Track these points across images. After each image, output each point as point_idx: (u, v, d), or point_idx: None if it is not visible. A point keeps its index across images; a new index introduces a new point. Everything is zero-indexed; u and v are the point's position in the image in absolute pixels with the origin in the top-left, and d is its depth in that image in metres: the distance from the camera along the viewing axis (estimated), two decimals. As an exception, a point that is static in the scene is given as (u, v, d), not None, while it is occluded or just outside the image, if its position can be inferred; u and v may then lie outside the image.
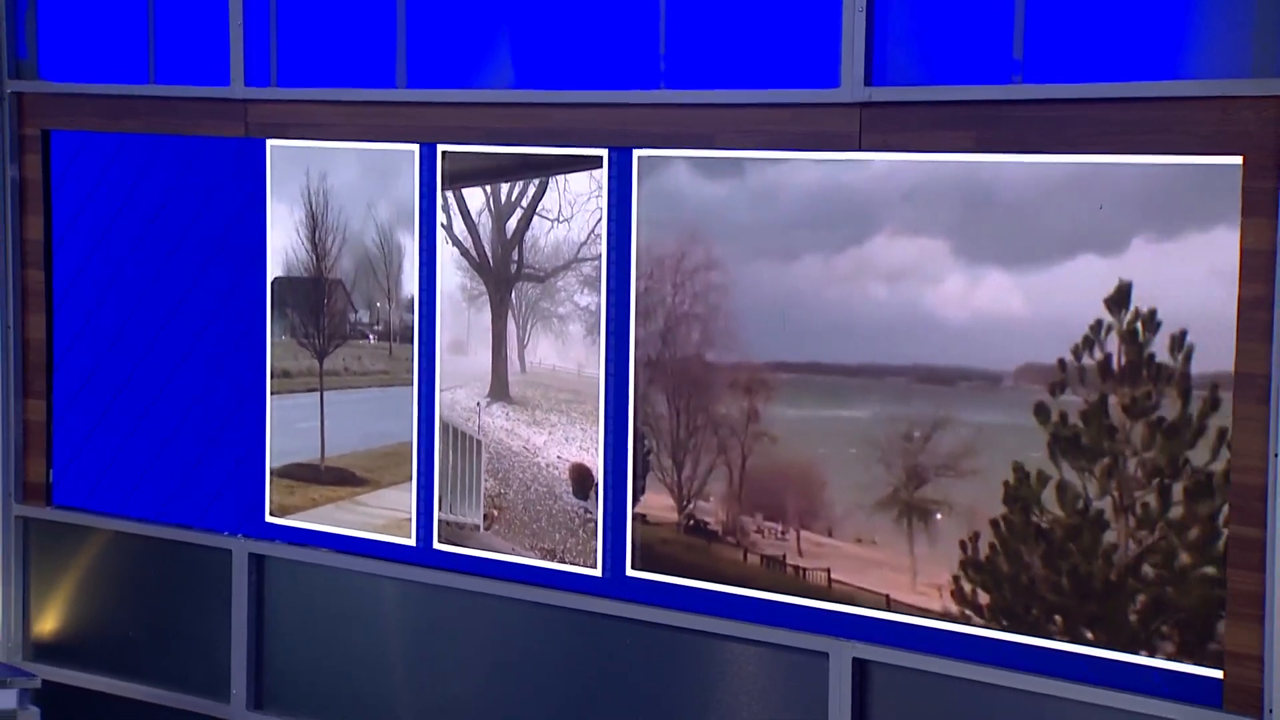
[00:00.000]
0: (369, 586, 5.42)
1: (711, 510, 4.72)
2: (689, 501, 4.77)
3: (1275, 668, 3.96)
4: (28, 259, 5.98)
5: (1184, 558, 4.11)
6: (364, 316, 5.34)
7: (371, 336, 5.32)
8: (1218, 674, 4.05)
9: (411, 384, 5.22)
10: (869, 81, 4.48)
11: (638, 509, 4.86)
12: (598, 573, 4.92)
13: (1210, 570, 4.08)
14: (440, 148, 5.12)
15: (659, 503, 4.83)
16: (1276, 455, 3.95)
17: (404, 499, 5.27)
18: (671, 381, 4.76)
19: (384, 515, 5.33)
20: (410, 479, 5.25)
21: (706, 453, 4.71)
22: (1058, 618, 4.26)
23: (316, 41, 5.46)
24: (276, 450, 5.53)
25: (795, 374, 4.51)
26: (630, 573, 4.87)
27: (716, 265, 4.67)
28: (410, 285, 5.21)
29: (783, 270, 4.50)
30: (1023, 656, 4.29)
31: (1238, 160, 3.98)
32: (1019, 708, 4.34)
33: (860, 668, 4.56)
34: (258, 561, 5.63)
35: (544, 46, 5.05)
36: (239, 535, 5.64)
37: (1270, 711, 3.98)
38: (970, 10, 4.37)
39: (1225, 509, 4.05)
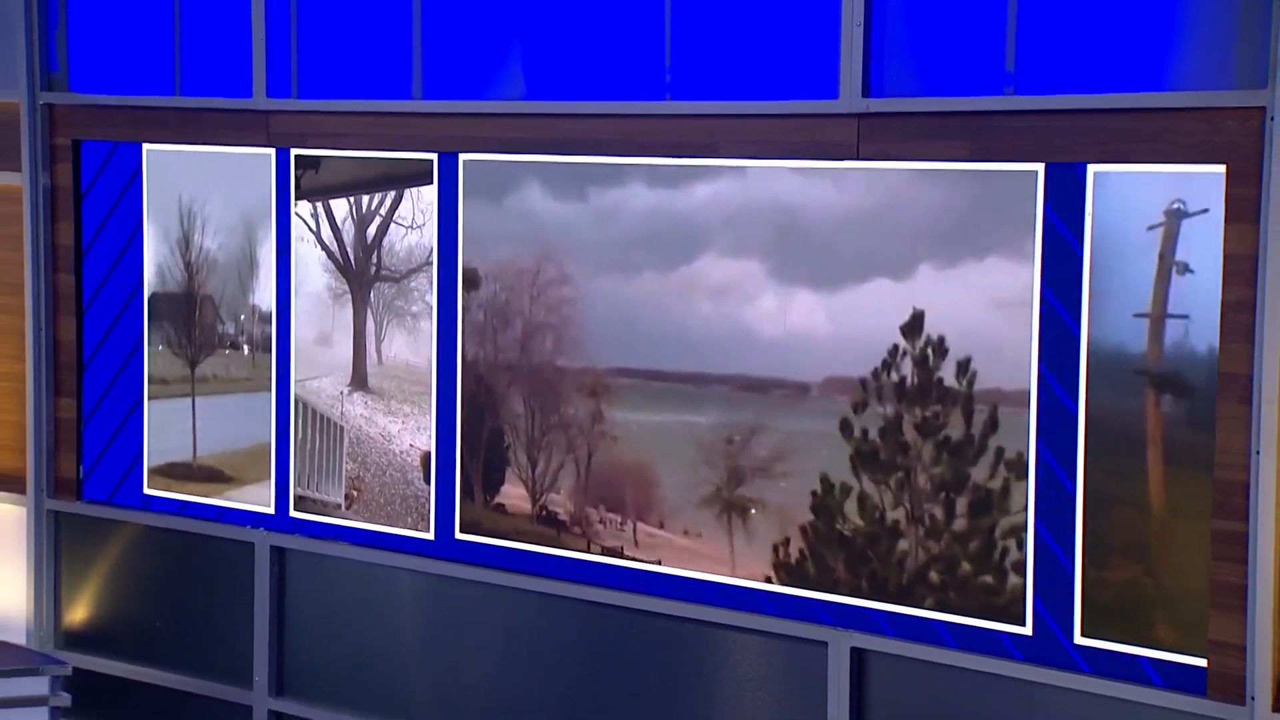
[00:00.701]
0: (385, 578, 5.43)
1: (561, 502, 4.97)
2: (541, 494, 5.00)
3: (1257, 656, 3.97)
4: (58, 263, 5.99)
5: (965, 567, 4.30)
6: (230, 329, 5.65)
7: (238, 347, 5.65)
8: (1202, 662, 4.07)
9: (271, 385, 5.55)
10: (867, 93, 4.48)
11: (497, 500, 5.09)
12: (430, 536, 5.24)
13: (988, 579, 4.26)
14: (294, 152, 5.42)
15: (515, 494, 5.04)
16: (1258, 453, 3.96)
17: (265, 494, 5.59)
18: (528, 385, 4.98)
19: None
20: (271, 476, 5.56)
21: (558, 450, 4.96)
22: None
23: (335, 54, 5.47)
24: (154, 449, 5.84)
25: (635, 380, 4.79)
26: (459, 535, 5.19)
27: (567, 280, 4.91)
28: (268, 299, 5.54)
29: (624, 285, 4.78)
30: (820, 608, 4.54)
31: (1220, 169, 4.00)
32: (1010, 696, 4.35)
33: (859, 656, 4.57)
34: (279, 554, 5.64)
35: (554, 59, 5.06)
36: (261, 529, 5.65)
37: (1253, 698, 3.99)
38: (964, 24, 4.37)
39: (1004, 521, 4.19)
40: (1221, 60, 4.03)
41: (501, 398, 5.05)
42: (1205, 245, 3.98)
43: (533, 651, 5.17)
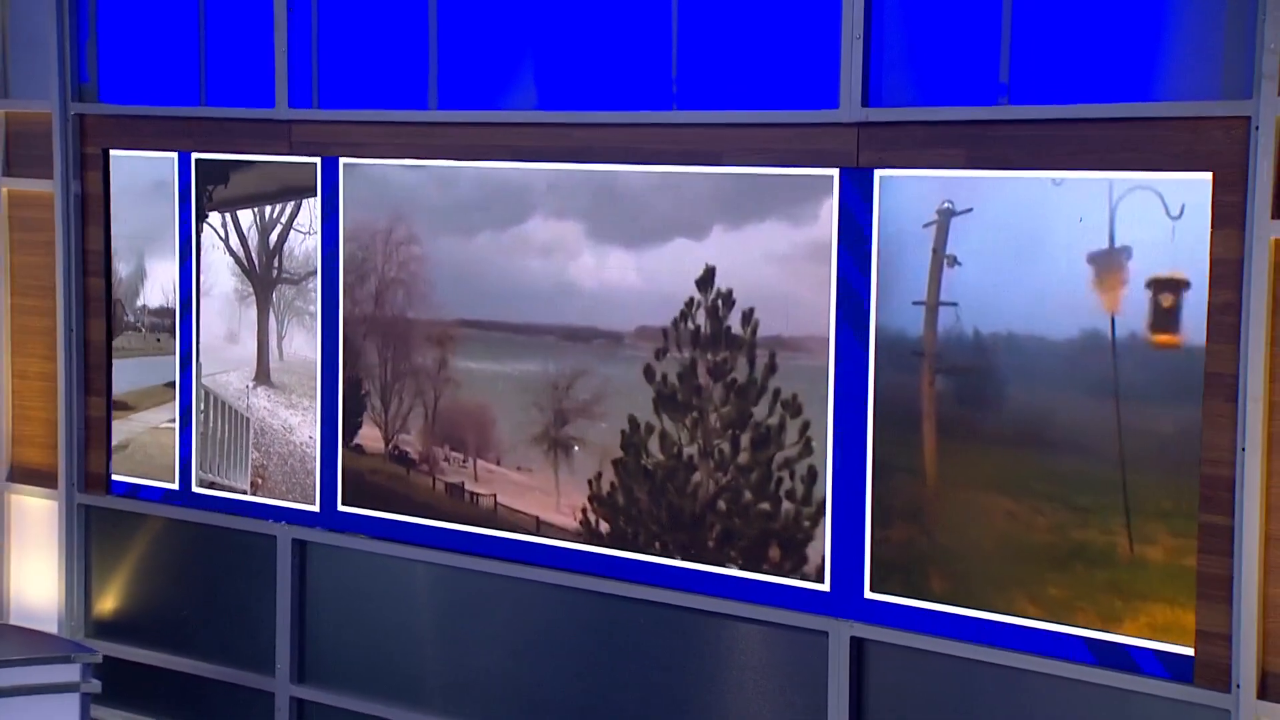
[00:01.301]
0: (402, 569, 5.45)
1: (411, 442, 5.30)
2: (393, 435, 5.33)
3: (1242, 645, 3.98)
4: (89, 268, 6.00)
5: (748, 495, 4.64)
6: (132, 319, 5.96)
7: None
8: (1189, 651, 4.08)
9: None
10: (866, 103, 4.49)
11: (355, 441, 5.42)
12: (316, 508, 5.53)
13: (765, 506, 4.61)
14: (194, 156, 5.68)
15: (371, 435, 5.39)
16: (1243, 449, 3.97)
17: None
18: (381, 335, 5.33)
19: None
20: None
21: (408, 395, 5.30)
22: (658, 543, 4.81)
23: (355, 66, 5.47)
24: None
25: (475, 330, 5.12)
26: (341, 508, 5.48)
27: (415, 239, 5.23)
28: (155, 296, 5.87)
29: (465, 244, 5.12)
30: (632, 570, 4.87)
31: (1207, 176, 4.00)
32: (1002, 683, 4.35)
33: (853, 643, 4.58)
34: (300, 546, 5.66)
35: (565, 70, 5.07)
36: (282, 522, 5.67)
37: (1238, 685, 4.00)
38: (960, 37, 4.37)
39: (779, 455, 4.58)
40: (1208, 71, 4.04)
41: (359, 349, 5.36)
42: (972, 240, 4.24)
43: (539, 639, 5.19)
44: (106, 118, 5.94)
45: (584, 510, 4.92)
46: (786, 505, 4.58)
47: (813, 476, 4.53)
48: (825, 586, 4.54)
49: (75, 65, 5.96)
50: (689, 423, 4.72)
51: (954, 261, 4.25)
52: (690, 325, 4.71)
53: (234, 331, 5.70)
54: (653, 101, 4.87)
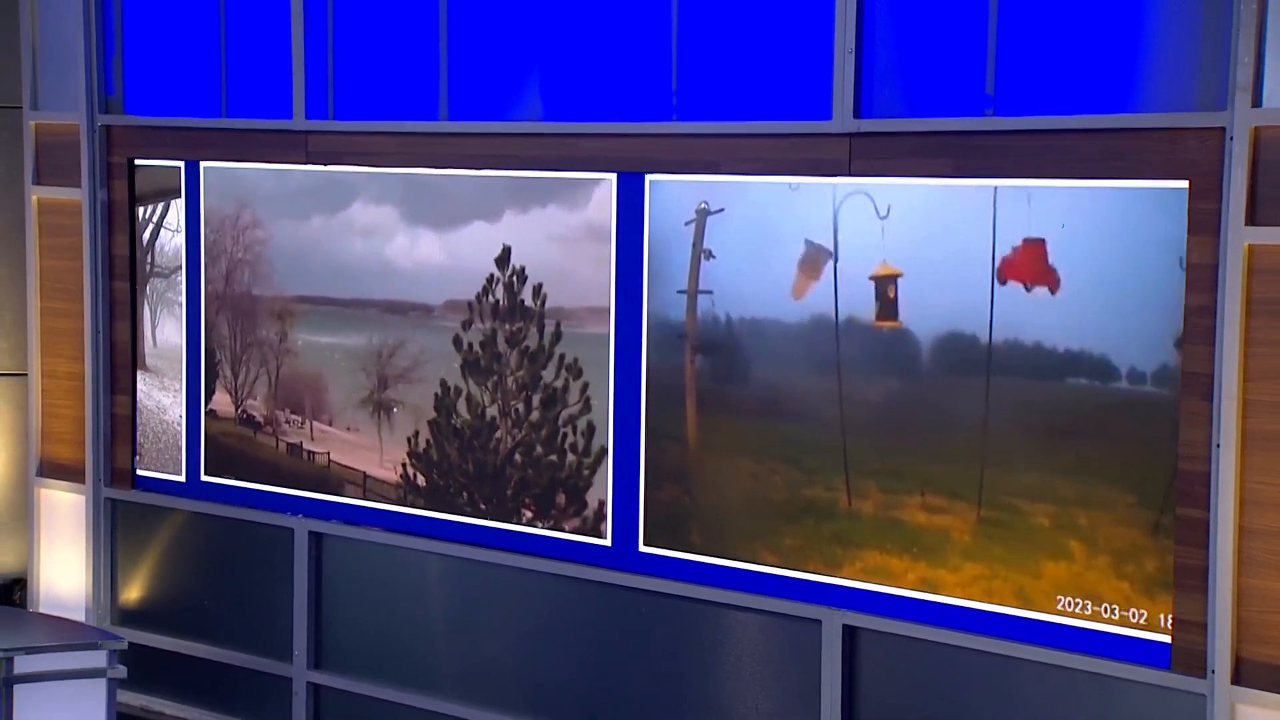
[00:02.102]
0: (413, 560, 5.45)
1: (257, 407, 5.71)
2: (242, 400, 5.72)
3: (1217, 633, 3.98)
4: (115, 272, 6.01)
5: (538, 449, 5.05)
6: None
7: None
8: (1165, 639, 4.08)
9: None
10: (858, 114, 4.49)
11: (210, 406, 5.82)
12: (182, 479, 5.91)
13: (553, 458, 5.02)
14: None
15: (223, 401, 5.80)
16: (1218, 446, 3.97)
17: None
18: (231, 310, 5.74)
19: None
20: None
21: (254, 364, 5.68)
22: (464, 494, 5.22)
23: (369, 79, 5.48)
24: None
25: (309, 305, 5.54)
26: (203, 477, 5.87)
27: (259, 224, 5.63)
28: None
29: (300, 227, 5.52)
30: (436, 528, 5.30)
31: (1184, 184, 4.00)
32: (992, 671, 4.35)
33: (850, 634, 4.58)
34: (317, 538, 5.66)
35: (569, 83, 5.07)
36: (300, 515, 5.67)
37: (1213, 671, 4.00)
38: (947, 51, 4.38)
39: (564, 413, 4.98)
40: (1185, 84, 4.04)
41: (213, 323, 5.80)
42: (724, 237, 4.64)
43: (544, 627, 5.19)
44: (131, 129, 5.95)
45: (404, 465, 5.35)
46: (570, 457, 5.00)
47: (591, 430, 4.94)
48: (607, 542, 4.93)
49: (102, 79, 5.97)
50: (490, 385, 5.13)
51: (709, 255, 4.65)
52: (491, 299, 5.12)
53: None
54: (654, 113, 4.88)
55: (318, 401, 5.54)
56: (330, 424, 5.51)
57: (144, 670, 5.76)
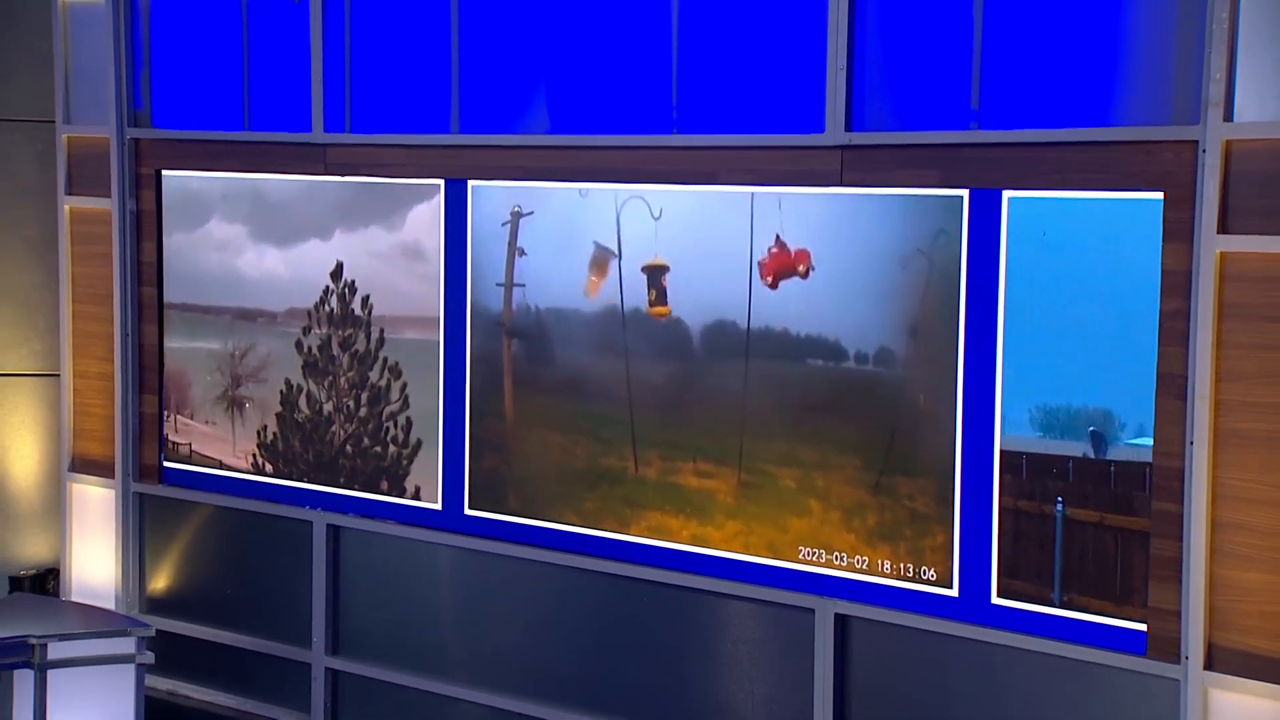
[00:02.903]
0: (425, 552, 5.45)
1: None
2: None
3: (1191, 621, 4.00)
4: (142, 277, 6.02)
5: (366, 441, 5.49)
6: None
7: None
8: (1141, 627, 4.09)
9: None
10: (849, 127, 4.51)
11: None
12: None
13: (378, 449, 5.45)
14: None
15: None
16: (1192, 443, 3.98)
17: None
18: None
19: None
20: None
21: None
22: (305, 480, 5.64)
23: (384, 94, 5.50)
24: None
25: (178, 312, 5.96)
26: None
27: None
28: None
29: (166, 240, 5.94)
30: (286, 494, 5.67)
31: (1159, 195, 4.01)
32: (971, 657, 4.36)
33: (842, 622, 4.59)
34: (335, 531, 5.68)
35: (575, 98, 5.08)
36: (319, 509, 5.69)
37: (1187, 657, 4.01)
38: (934, 67, 4.39)
39: (387, 409, 5.40)
40: (1160, 99, 4.05)
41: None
42: (534, 236, 5.05)
43: (552, 616, 5.21)
44: (159, 141, 5.96)
45: (254, 455, 5.77)
46: (391, 448, 5.43)
47: (410, 425, 5.36)
48: (439, 506, 5.32)
49: (130, 94, 5.99)
50: (326, 384, 5.56)
51: (522, 252, 5.06)
52: (326, 308, 5.54)
53: None
54: (655, 126, 4.89)
55: (181, 397, 5.96)
56: (192, 418, 5.92)
57: (170, 656, 5.77)
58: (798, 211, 4.49)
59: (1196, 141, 3.93)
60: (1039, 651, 4.23)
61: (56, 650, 4.88)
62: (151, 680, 5.52)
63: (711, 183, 4.73)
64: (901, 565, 4.35)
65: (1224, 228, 3.92)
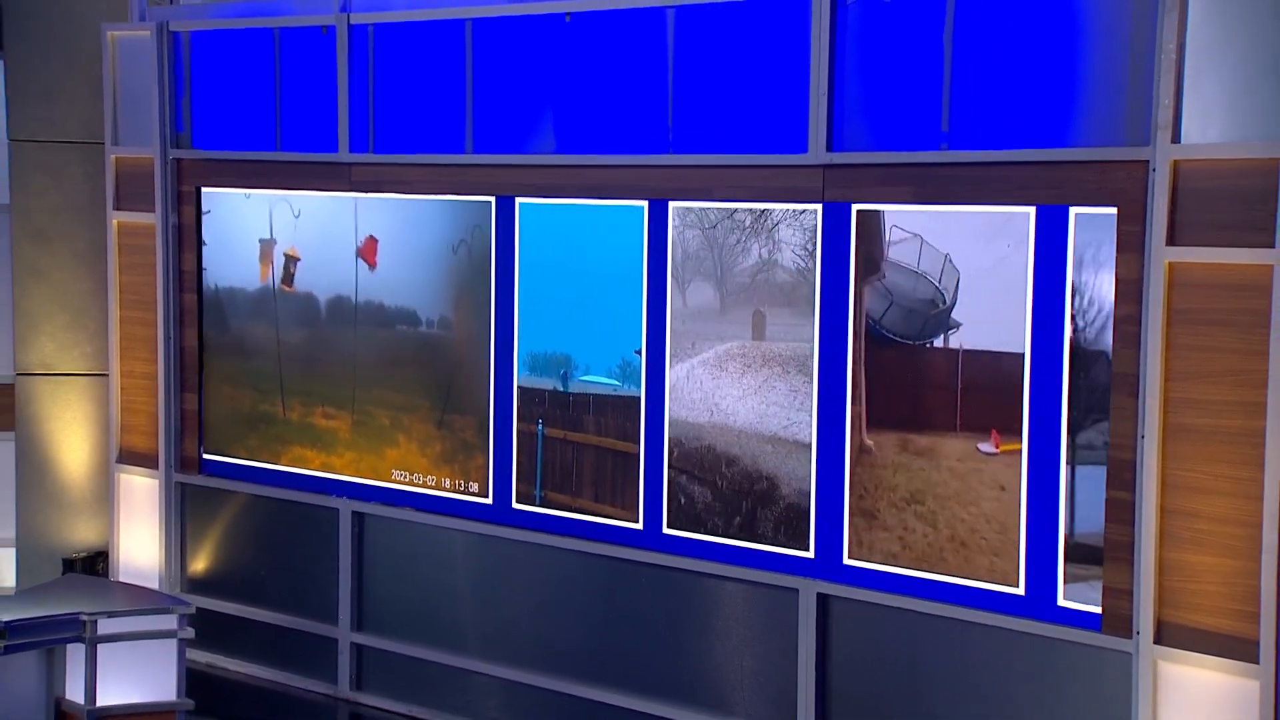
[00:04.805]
0: (442, 536, 5.45)
1: None
2: None
3: (1142, 599, 3.99)
4: (184, 285, 6.00)
5: None
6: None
7: None
8: (1097, 609, 4.08)
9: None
10: (830, 148, 4.50)
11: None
12: None
13: None
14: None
15: None
16: (1143, 437, 3.98)
17: None
18: None
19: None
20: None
21: None
22: None
23: (404, 118, 5.49)
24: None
25: None
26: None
27: None
28: None
29: None
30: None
31: (1113, 210, 4.01)
32: (943, 632, 4.36)
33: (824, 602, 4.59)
34: (359, 518, 5.67)
35: (579, 121, 5.08)
36: (343, 497, 5.68)
37: (1139, 633, 4.01)
38: (908, 93, 4.38)
39: None
40: (1113, 122, 4.04)
41: None
42: (214, 232, 5.73)
43: (554, 595, 5.20)
44: (199, 161, 5.95)
45: None
46: None
47: None
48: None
49: (172, 118, 5.97)
50: None
51: (204, 244, 5.83)
52: None
53: None
54: (652, 146, 4.88)
55: None
56: None
57: (209, 631, 5.75)
58: (372, 209, 5.45)
59: (1147, 161, 3.93)
60: (1007, 629, 4.22)
61: (106, 626, 4.87)
62: (192, 653, 5.50)
63: (705, 198, 4.72)
64: (458, 482, 5.31)
65: (1172, 240, 3.91)
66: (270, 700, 5.75)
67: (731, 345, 4.64)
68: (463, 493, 5.26)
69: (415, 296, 5.36)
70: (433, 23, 5.33)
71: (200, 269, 5.99)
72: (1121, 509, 4.03)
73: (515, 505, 5.14)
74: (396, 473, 5.42)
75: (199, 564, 6.11)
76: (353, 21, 5.51)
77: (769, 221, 4.52)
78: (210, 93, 5.93)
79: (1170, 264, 3.92)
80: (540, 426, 5.06)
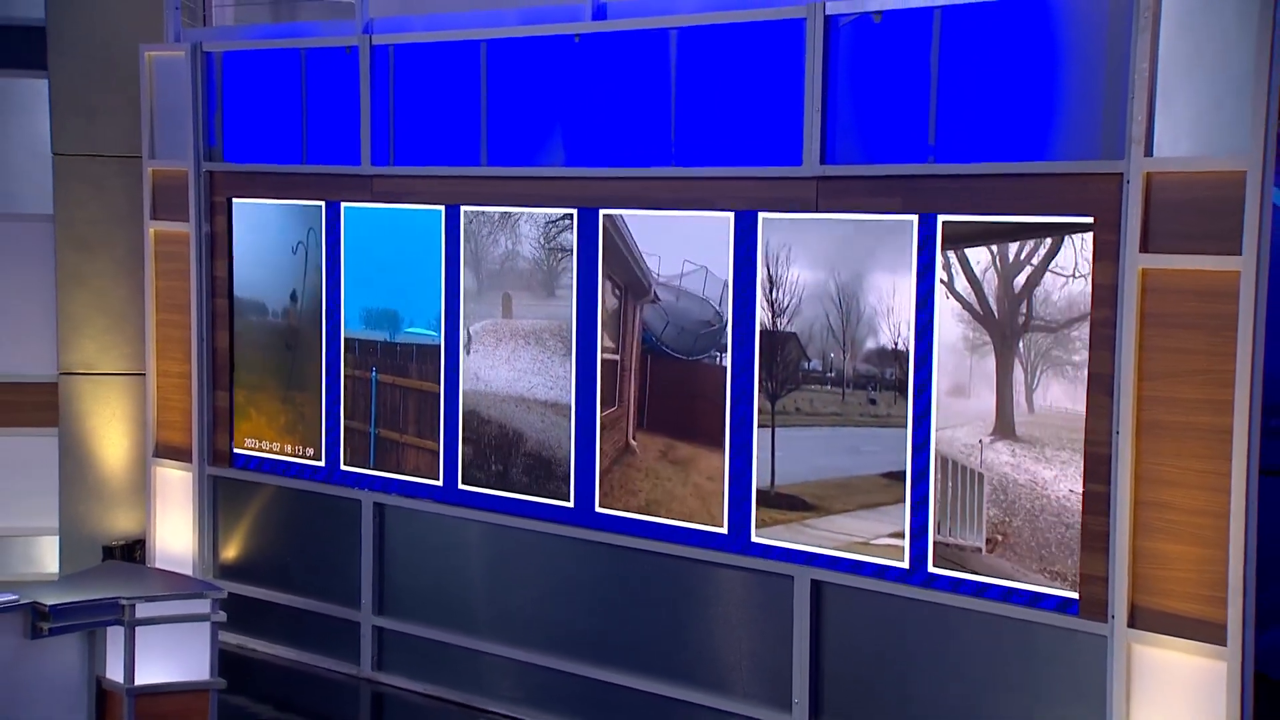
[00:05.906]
0: (458, 526, 5.46)
1: None
2: None
3: (1117, 585, 4.00)
4: (216, 290, 6.01)
5: None
6: (817, 365, 4.45)
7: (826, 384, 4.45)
8: (1074, 595, 4.09)
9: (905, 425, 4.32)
10: (824, 161, 4.50)
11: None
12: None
13: None
14: (941, 217, 4.24)
15: None
16: (1118, 433, 3.99)
17: (859, 525, 4.38)
18: None
19: (840, 539, 4.46)
20: (860, 508, 4.38)
21: None
22: None
23: (423, 133, 5.50)
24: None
25: None
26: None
27: None
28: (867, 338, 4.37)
29: None
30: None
31: (1090, 219, 4.02)
32: (927, 617, 4.36)
33: (817, 588, 4.59)
34: (380, 509, 5.68)
35: (586, 136, 5.09)
36: (365, 489, 5.69)
37: (1114, 617, 4.01)
38: (897, 109, 4.39)
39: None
40: (1090, 137, 4.05)
41: None
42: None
43: (565, 583, 5.21)
44: (230, 173, 5.96)
45: None
46: None
47: None
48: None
49: (206, 133, 5.99)
50: None
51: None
52: None
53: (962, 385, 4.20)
54: (656, 159, 4.89)
55: None
56: None
57: (240, 615, 5.76)
58: (238, 214, 5.91)
59: (1122, 174, 3.93)
60: (991, 614, 4.22)
61: (143, 610, 4.89)
62: (224, 636, 5.49)
63: (706, 208, 4.73)
64: (299, 448, 5.80)
65: (1145, 248, 3.92)
66: (297, 680, 5.76)
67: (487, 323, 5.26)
68: (305, 457, 5.77)
69: (262, 288, 5.85)
70: (450, 43, 5.35)
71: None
72: (1098, 501, 4.04)
73: (343, 467, 5.69)
74: (250, 440, 5.92)
75: (230, 551, 6.13)
76: (375, 42, 5.53)
77: (513, 220, 5.08)
78: (241, 109, 5.94)
79: (1144, 270, 3.92)
80: (374, 373, 5.54)
